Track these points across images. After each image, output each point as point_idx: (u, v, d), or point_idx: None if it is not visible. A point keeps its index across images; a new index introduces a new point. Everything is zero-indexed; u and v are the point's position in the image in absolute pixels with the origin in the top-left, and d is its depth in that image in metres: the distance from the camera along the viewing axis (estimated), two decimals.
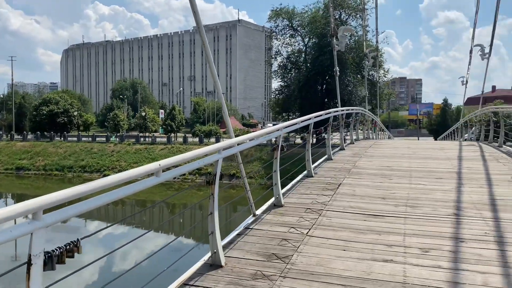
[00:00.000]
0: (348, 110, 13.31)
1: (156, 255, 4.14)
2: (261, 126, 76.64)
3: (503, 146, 12.04)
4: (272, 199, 6.00)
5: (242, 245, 4.46)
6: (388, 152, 11.31)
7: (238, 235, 4.76)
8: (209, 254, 4.02)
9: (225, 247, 4.36)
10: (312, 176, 7.76)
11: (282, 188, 6.78)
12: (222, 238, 4.47)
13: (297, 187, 7.05)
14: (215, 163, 3.92)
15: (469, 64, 19.92)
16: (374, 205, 5.90)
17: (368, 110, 38.26)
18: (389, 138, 34.63)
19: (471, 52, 18.76)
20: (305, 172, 7.89)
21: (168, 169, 3.08)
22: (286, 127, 6.05)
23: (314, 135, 10.82)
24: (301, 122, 7.11)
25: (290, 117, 40.92)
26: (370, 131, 21.56)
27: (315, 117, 8.06)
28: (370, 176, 7.84)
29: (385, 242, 4.47)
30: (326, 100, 40.49)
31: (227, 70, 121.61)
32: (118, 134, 52.80)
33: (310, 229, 4.91)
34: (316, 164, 8.93)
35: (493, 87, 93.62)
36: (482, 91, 19.32)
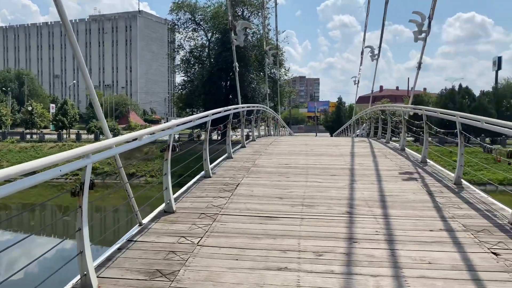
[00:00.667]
0: (249, 107, 13.18)
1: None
2: (164, 122, 74.30)
3: (390, 142, 12.90)
4: (163, 205, 5.46)
5: (122, 261, 3.88)
6: (287, 150, 11.39)
7: (119, 249, 4.16)
8: (78, 277, 3.38)
9: (101, 265, 3.75)
10: (209, 177, 7.36)
11: (178, 190, 6.30)
12: (102, 253, 3.85)
13: (193, 189, 6.58)
14: (84, 169, 3.28)
15: (361, 65, 21.34)
16: (271, 206, 5.69)
17: (271, 107, 39.22)
18: (290, 134, 35.82)
19: (362, 53, 20.09)
20: (203, 172, 7.46)
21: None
22: (179, 125, 5.54)
23: (219, 132, 10.45)
24: (197, 119, 6.65)
25: (194, 113, 40.14)
26: (271, 128, 21.93)
27: (213, 114, 7.67)
28: (268, 175, 7.68)
29: (280, 247, 4.24)
30: (230, 96, 40.50)
31: (127, 62, 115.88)
32: (0, 131, 46.99)
33: (202, 238, 4.50)
34: (215, 163, 8.55)
35: (381, 87, 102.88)
36: (372, 91, 20.79)
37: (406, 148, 10.91)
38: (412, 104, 15.45)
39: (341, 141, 14.85)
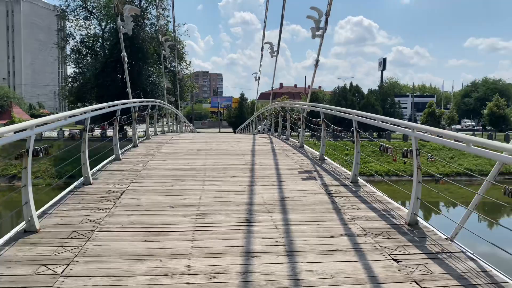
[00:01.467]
0: (142, 102, 12.12)
1: None
2: None
3: (290, 139, 12.89)
4: (23, 223, 4.41)
5: None
6: (184, 148, 10.64)
7: None
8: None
9: None
10: (89, 184, 6.34)
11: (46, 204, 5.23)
12: None
13: (66, 200, 5.55)
14: None
15: (261, 61, 21.35)
16: (160, 218, 4.97)
17: (173, 102, 37.78)
18: (192, 130, 34.90)
19: (262, 50, 20.04)
20: (81, 178, 6.41)
21: None
22: (39, 125, 4.50)
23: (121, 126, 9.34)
24: (69, 117, 5.60)
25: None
26: (171, 124, 20.88)
27: (92, 110, 6.64)
28: (161, 179, 6.90)
29: (166, 271, 3.57)
30: (127, 90, 38.09)
31: (9, 51, 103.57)
32: None
33: (68, 265, 3.63)
34: (99, 166, 7.50)
35: (281, 84, 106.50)
36: (272, 87, 20.88)
37: (305, 145, 10.90)
38: (310, 101, 15.73)
39: (242, 138, 14.51)
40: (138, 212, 5.16)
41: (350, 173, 7.19)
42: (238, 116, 57.92)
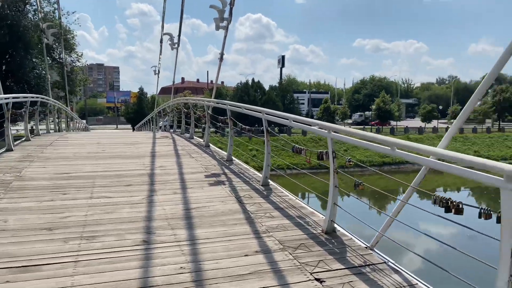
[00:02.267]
0: (18, 97, 10.32)
1: None
2: None
3: (194, 137, 12.12)
4: None
5: None
6: (71, 151, 9.24)
7: None
8: None
9: None
10: None
11: None
12: None
13: None
14: None
15: (160, 54, 20.14)
16: (32, 246, 3.91)
17: (62, 97, 34.19)
18: (85, 128, 32.01)
19: (161, 42, 18.90)
20: None
21: None
22: None
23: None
24: None
25: None
26: (57, 122, 18.63)
27: None
28: (37, 192, 5.68)
29: None
30: (7, 83, 33.53)
31: None
32: None
33: None
34: None
35: (183, 79, 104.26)
36: (173, 82, 19.84)
37: (210, 145, 10.25)
38: (214, 97, 15.11)
39: (141, 137, 13.33)
40: (3, 240, 4.02)
41: (260, 175, 6.72)
42: (137, 112, 55.03)
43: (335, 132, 4.37)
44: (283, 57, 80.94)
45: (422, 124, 57.95)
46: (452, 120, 65.92)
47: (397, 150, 3.37)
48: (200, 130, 14.90)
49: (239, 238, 4.27)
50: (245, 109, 7.21)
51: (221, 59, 10.28)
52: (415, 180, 3.43)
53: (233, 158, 8.43)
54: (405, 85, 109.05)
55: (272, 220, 4.85)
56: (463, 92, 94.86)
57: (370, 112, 66.19)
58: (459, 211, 2.80)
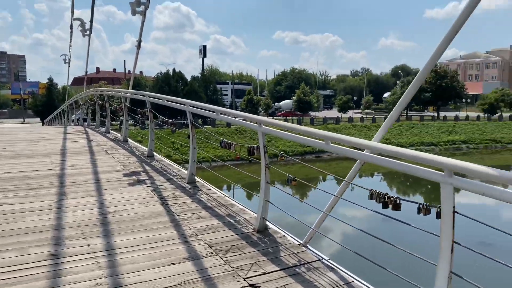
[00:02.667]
0: None
1: None
2: None
3: (110, 132, 11.27)
4: None
5: None
6: None
7: None
8: None
9: None
10: None
11: None
12: None
13: None
14: None
15: (71, 41, 18.49)
16: None
17: None
18: None
19: (71, 28, 17.33)
20: None
21: None
22: None
23: None
24: None
25: None
26: None
27: None
28: None
29: None
30: None
31: None
32: None
33: None
34: None
35: (97, 68, 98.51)
36: (86, 72, 18.32)
37: (129, 139, 9.55)
38: (132, 87, 14.20)
39: (51, 132, 12.10)
40: None
41: (185, 171, 6.32)
42: (47, 104, 50.79)
43: (266, 126, 4.12)
44: (204, 47, 79.70)
45: (339, 114, 60.86)
46: (366, 110, 70.21)
47: (331, 144, 3.21)
48: (118, 123, 13.95)
49: (164, 245, 3.87)
50: (167, 100, 6.72)
51: (138, 46, 9.56)
52: (350, 175, 3.31)
53: (155, 153, 7.90)
54: (323, 77, 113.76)
55: (200, 221, 4.51)
56: (374, 83, 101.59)
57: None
58: (397, 206, 2.70)
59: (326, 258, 3.68)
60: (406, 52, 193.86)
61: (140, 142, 11.89)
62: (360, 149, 3.04)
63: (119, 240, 3.92)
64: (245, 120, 4.50)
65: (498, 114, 62.33)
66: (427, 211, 2.49)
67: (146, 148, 8.12)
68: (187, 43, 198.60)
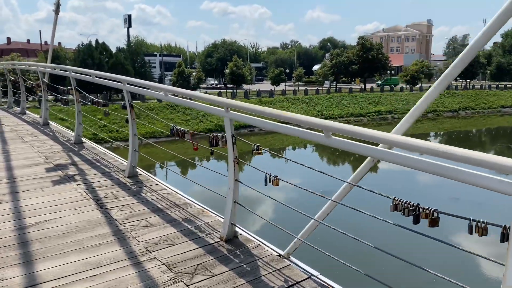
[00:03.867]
0: None
1: None
2: None
3: (26, 113, 9.63)
4: None
5: None
6: None
7: None
8: None
9: None
10: None
11: None
12: None
13: None
14: None
15: None
16: None
17: None
18: None
19: None
20: None
21: None
22: None
23: None
24: None
25: None
26: None
27: None
28: None
29: None
30: None
31: None
32: None
33: None
34: None
35: (8, 39, 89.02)
36: None
37: (51, 122, 8.12)
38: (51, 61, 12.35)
39: None
40: None
41: (124, 162, 5.28)
42: None
43: (235, 111, 3.27)
44: (129, 16, 74.69)
45: (272, 87, 60.79)
46: (298, 83, 70.93)
47: (333, 137, 2.46)
48: (36, 102, 12.13)
49: (106, 271, 2.94)
50: (97, 77, 5.51)
51: (56, 11, 7.99)
52: (355, 176, 2.61)
53: (84, 139, 6.68)
54: (253, 49, 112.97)
55: (151, 231, 3.59)
56: (304, 56, 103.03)
57: (222, 76, 66.56)
58: (434, 222, 2.04)
59: (317, 274, 3.00)
60: (332, 25, 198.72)
61: (62, 122, 10.38)
62: (374, 144, 2.32)
63: (44, 269, 2.91)
64: (212, 105, 3.59)
65: (419, 85, 66.14)
66: (484, 231, 1.85)
67: (73, 133, 6.86)
68: (109, 13, 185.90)
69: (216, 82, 79.00)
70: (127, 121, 4.92)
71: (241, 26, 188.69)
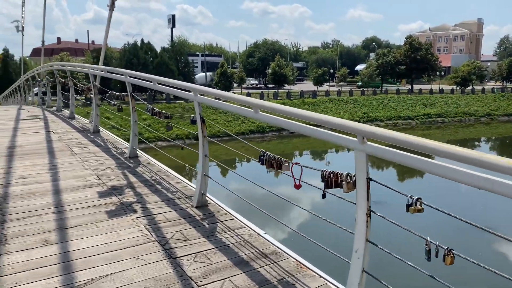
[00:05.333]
0: None
1: None
2: None
3: (76, 117, 9.03)
4: None
5: None
6: None
7: None
8: None
9: None
10: None
11: None
12: None
13: None
14: None
15: (23, 4, 15.55)
16: None
17: None
18: None
19: None
20: None
21: None
22: None
23: None
24: None
25: None
26: None
27: None
28: None
29: None
30: None
31: None
32: None
33: None
34: None
35: (58, 38, 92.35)
36: (43, 42, 15.54)
37: (101, 129, 7.42)
38: (95, 61, 11.78)
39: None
40: None
41: (189, 185, 4.38)
42: (3, 77, 46.43)
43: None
44: (173, 16, 75.56)
45: (314, 88, 59.28)
46: (340, 83, 68.83)
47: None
48: (82, 101, 11.60)
49: None
50: (159, 83, 4.62)
51: (111, 6, 7.26)
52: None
53: (139, 151, 5.85)
54: (294, 49, 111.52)
55: None
56: (346, 55, 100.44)
57: (263, 76, 65.74)
58: None
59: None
60: (374, 24, 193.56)
61: (110, 129, 9.72)
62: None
63: None
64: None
65: (470, 87, 62.53)
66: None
67: (126, 144, 6.07)
68: (153, 13, 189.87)
69: (256, 82, 78.27)
70: (196, 138, 4.00)
71: (281, 26, 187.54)
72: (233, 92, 48.82)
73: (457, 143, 40.13)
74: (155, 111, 4.78)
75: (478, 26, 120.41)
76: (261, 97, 48.08)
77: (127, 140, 6.55)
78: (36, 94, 16.27)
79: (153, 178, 4.86)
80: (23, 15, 16.57)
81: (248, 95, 48.48)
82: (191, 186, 4.39)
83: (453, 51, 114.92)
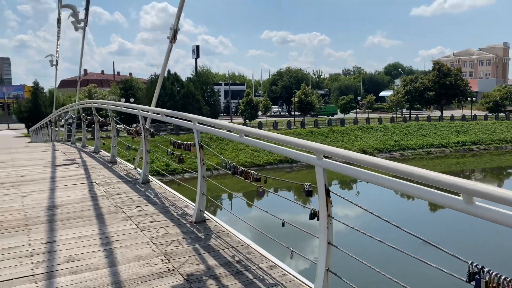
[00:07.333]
0: None
1: None
2: None
3: (117, 160, 8.03)
4: None
5: None
6: None
7: None
8: None
9: None
10: None
11: None
12: None
13: None
14: None
15: (58, 38, 15.12)
16: None
17: None
18: None
19: (59, 21, 14.03)
20: None
21: None
22: None
23: None
24: None
25: None
26: None
27: None
28: None
29: None
30: None
31: None
32: None
33: None
34: None
35: (85, 70, 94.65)
36: (80, 75, 14.92)
37: (152, 180, 6.33)
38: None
39: (33, 162, 8.79)
40: None
41: (286, 271, 3.18)
42: (32, 109, 46.97)
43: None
44: (197, 47, 76.16)
45: (340, 116, 58.05)
46: (367, 110, 67.34)
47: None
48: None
49: None
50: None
51: (173, 39, 6.30)
52: None
53: (207, 214, 4.67)
54: (316, 76, 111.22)
55: None
56: (369, 82, 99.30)
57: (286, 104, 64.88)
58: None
59: None
60: (393, 50, 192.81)
61: (155, 176, 8.66)
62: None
63: None
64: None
65: (505, 113, 60.17)
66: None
67: (186, 200, 4.93)
68: (176, 44, 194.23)
69: (279, 110, 77.59)
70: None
71: (300, 53, 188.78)
72: (259, 121, 48.27)
73: (493, 172, 37.74)
74: (180, 158, 3.94)
75: (504, 50, 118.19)
76: (288, 126, 47.03)
77: (178, 190, 5.45)
78: (62, 126, 15.64)
79: (236, 258, 3.64)
80: (57, 49, 16.11)
81: (275, 123, 47.51)
82: (284, 271, 3.17)
83: (479, 76, 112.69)
